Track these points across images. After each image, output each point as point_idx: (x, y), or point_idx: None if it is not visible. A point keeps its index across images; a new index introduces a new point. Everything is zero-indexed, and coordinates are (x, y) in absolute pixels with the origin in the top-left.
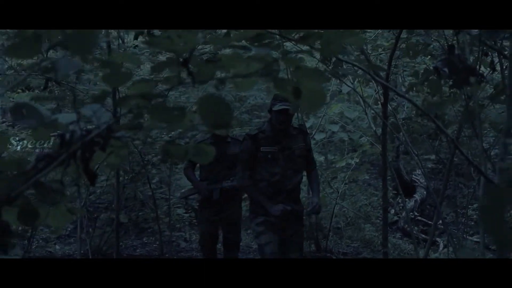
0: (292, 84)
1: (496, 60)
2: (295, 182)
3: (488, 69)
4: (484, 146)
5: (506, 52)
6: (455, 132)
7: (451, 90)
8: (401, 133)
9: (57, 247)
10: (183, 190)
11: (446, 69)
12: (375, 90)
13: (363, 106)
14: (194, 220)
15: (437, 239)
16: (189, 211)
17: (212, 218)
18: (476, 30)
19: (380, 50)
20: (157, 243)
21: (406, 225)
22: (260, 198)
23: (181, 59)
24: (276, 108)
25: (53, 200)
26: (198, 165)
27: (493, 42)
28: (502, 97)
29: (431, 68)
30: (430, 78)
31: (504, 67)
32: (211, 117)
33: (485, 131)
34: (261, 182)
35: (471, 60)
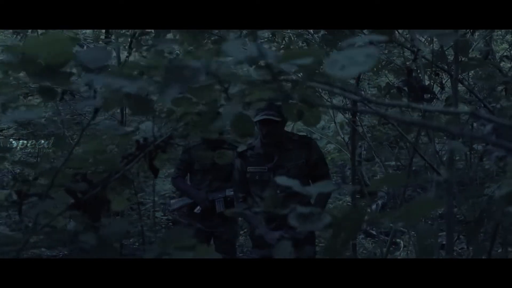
0: (298, 108)
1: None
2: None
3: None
4: (436, 149)
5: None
6: (413, 138)
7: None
8: (365, 141)
9: None
10: (173, 201)
11: (405, 88)
12: (342, 101)
13: (332, 115)
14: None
15: (398, 239)
16: (166, 214)
17: (203, 235)
18: (430, 54)
19: None
20: (137, 244)
21: (369, 227)
22: (254, 221)
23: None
24: (257, 118)
25: (126, 188)
26: (190, 173)
27: (443, 65)
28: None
29: (393, 84)
30: (392, 91)
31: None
32: (240, 130)
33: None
34: (253, 206)
35: (426, 80)
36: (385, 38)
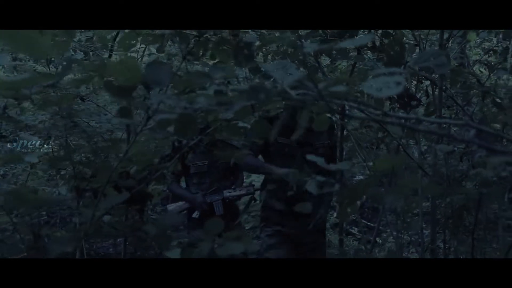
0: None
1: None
2: None
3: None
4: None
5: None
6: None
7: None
8: (348, 142)
9: None
10: (170, 207)
11: (395, 95)
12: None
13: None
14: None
15: (377, 238)
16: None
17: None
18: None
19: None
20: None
21: (348, 226)
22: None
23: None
24: None
25: (162, 184)
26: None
27: (427, 74)
28: (433, 116)
29: None
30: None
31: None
32: (260, 133)
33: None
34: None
35: (412, 88)
36: (369, 40)
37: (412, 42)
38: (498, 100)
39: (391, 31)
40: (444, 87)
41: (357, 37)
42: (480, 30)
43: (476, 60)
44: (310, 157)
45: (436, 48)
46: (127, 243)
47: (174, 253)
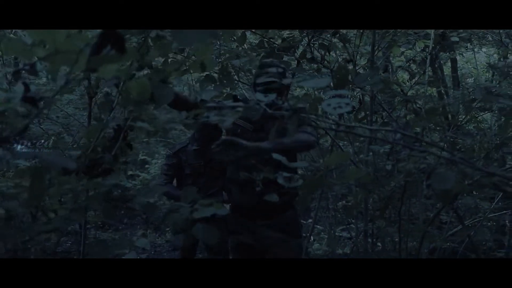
0: None
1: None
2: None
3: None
4: (355, 150)
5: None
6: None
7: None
8: None
9: None
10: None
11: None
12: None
13: None
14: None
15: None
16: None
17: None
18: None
19: None
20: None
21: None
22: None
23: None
24: (260, 80)
25: None
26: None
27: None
28: (364, 121)
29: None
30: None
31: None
32: None
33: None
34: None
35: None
36: (326, 83)
37: (345, 55)
38: (417, 108)
39: (326, 43)
40: (374, 96)
41: (317, 79)
42: (403, 44)
43: (399, 66)
44: (276, 156)
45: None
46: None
47: (142, 242)
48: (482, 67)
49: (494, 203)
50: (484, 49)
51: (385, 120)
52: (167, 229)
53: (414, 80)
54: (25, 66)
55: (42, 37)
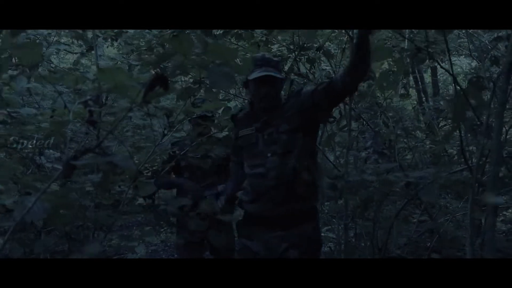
0: None
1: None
2: (286, 177)
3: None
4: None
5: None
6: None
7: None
8: None
9: None
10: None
11: None
12: None
13: None
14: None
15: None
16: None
17: (197, 240)
18: None
19: None
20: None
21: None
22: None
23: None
24: (254, 76)
25: None
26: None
27: None
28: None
29: None
30: None
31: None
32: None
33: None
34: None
35: None
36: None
37: (329, 69)
38: (385, 119)
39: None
40: (353, 106)
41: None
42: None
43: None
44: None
45: None
46: None
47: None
48: (463, 74)
49: (461, 202)
50: (463, 56)
51: (363, 130)
52: (162, 229)
53: (388, 93)
54: (93, 97)
55: (106, 76)
